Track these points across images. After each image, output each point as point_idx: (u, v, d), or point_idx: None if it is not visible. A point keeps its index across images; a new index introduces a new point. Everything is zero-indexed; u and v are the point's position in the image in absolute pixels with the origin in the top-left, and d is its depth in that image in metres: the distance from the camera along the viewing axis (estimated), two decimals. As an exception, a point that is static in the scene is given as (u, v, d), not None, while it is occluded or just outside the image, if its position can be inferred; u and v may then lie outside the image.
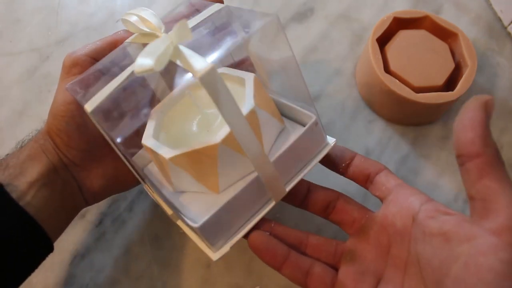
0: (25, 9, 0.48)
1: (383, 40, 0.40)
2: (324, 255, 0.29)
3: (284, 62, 0.28)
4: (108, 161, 0.31)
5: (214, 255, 0.27)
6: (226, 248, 0.27)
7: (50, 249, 0.28)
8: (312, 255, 0.29)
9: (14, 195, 0.26)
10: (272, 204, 0.28)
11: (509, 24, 0.45)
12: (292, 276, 0.27)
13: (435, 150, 0.39)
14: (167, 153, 0.26)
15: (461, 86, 0.37)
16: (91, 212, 0.37)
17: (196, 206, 0.28)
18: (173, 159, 0.26)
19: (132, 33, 0.30)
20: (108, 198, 0.37)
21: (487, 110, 0.21)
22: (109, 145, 0.28)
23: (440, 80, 0.37)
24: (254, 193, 0.27)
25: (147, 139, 0.28)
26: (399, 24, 0.40)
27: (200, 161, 0.26)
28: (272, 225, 0.29)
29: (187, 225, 0.26)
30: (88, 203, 0.31)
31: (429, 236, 0.23)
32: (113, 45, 0.29)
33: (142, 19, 0.26)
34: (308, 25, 0.46)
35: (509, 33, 0.45)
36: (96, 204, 0.36)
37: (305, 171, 0.29)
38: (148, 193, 0.33)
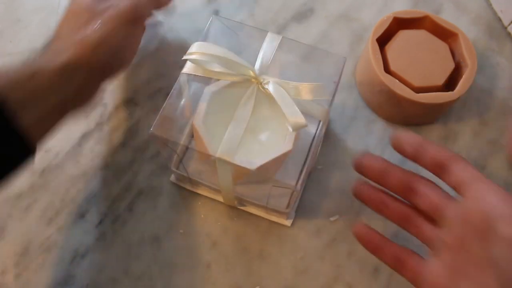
0: (25, 9, 0.48)
1: (383, 40, 0.40)
2: (427, 205, 0.28)
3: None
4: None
5: (287, 222, 0.36)
6: (292, 215, 0.36)
7: (32, 151, 0.26)
8: (418, 202, 0.29)
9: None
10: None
11: (509, 24, 0.45)
12: (386, 261, 0.30)
13: (435, 150, 0.39)
14: (251, 164, 0.30)
15: (461, 86, 0.37)
16: (91, 212, 0.37)
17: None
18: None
19: None
20: (108, 198, 0.37)
21: None
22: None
23: (440, 80, 0.37)
24: None
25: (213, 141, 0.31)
26: (399, 24, 0.40)
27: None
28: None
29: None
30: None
31: (509, 241, 0.23)
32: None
33: (229, 62, 0.31)
34: (308, 25, 0.46)
35: (509, 33, 0.45)
36: (96, 204, 0.37)
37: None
38: (186, 187, 0.37)
